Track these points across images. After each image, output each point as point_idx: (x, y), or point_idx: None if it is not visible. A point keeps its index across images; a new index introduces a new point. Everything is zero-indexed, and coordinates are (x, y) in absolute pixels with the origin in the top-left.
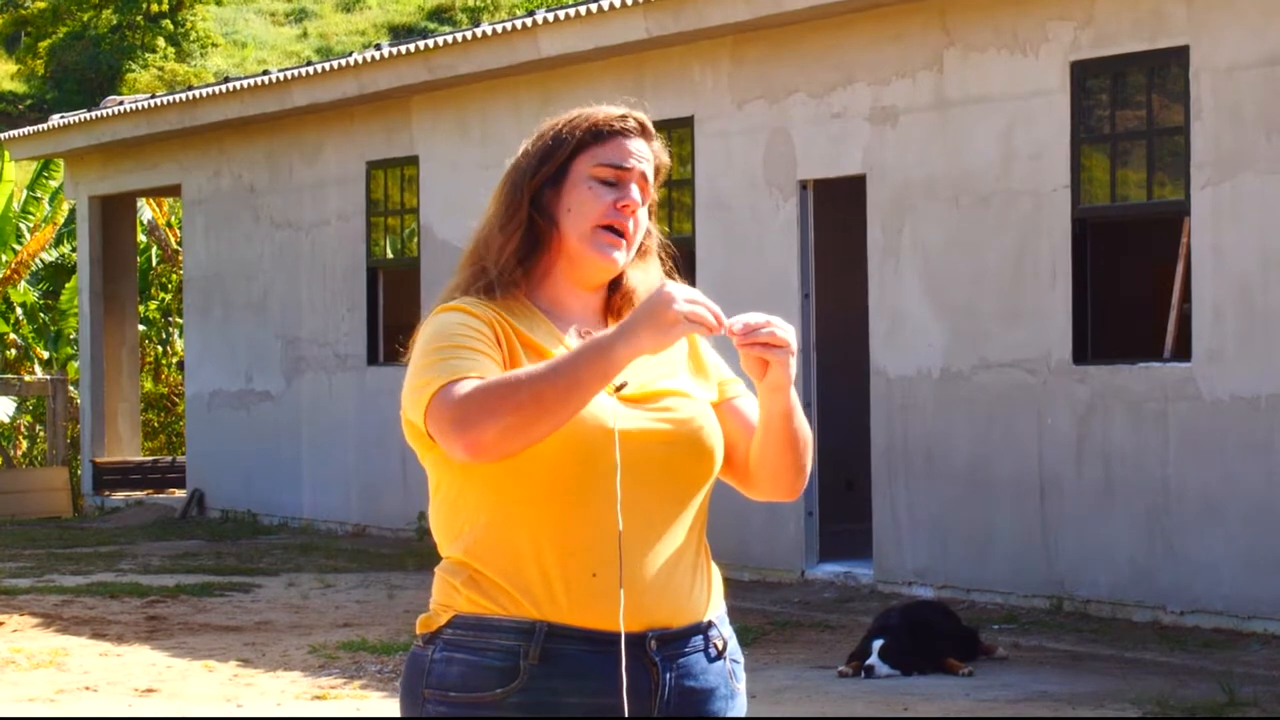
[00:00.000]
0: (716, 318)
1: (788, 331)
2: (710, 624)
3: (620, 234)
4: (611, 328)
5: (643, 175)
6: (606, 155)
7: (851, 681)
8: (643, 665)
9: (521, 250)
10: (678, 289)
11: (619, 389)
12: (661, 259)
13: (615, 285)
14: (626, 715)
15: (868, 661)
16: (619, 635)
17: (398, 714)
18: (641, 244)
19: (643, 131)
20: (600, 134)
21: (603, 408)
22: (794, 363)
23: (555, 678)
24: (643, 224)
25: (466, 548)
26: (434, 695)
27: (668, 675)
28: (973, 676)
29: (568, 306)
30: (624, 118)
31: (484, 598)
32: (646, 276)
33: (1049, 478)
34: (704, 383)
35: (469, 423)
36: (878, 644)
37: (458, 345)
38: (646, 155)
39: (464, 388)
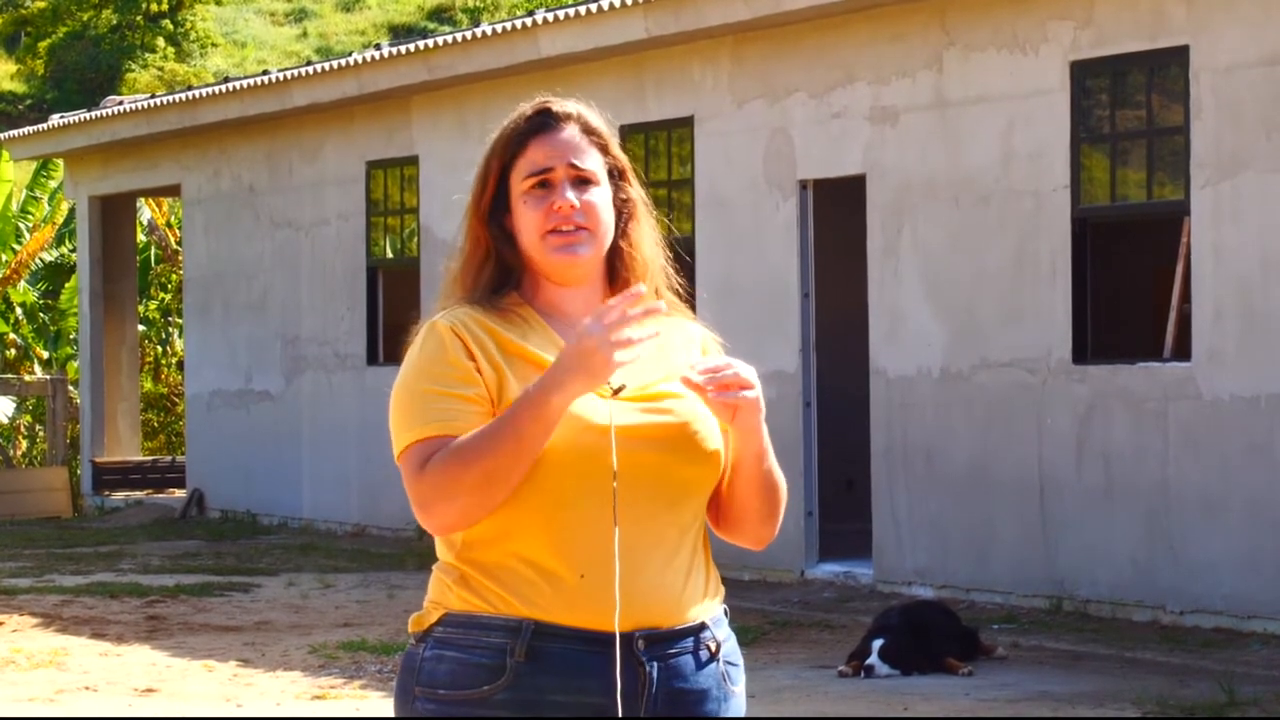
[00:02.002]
0: (643, 313)
1: (750, 372)
2: (703, 625)
3: (568, 231)
4: (541, 376)
5: (569, 165)
6: (528, 165)
7: (851, 681)
8: (630, 666)
9: (497, 278)
10: (596, 324)
11: (616, 391)
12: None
13: (612, 262)
14: (620, 716)
15: (867, 661)
16: (608, 635)
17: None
18: (620, 209)
19: (562, 118)
20: (518, 144)
21: (599, 409)
22: (763, 403)
23: (542, 675)
24: (600, 208)
25: (458, 551)
26: (423, 693)
27: (655, 675)
28: (972, 676)
29: (565, 308)
30: (531, 117)
31: (474, 596)
32: (641, 240)
33: (1049, 478)
34: None
35: (430, 507)
36: (877, 644)
37: (435, 391)
38: (571, 141)
39: (428, 463)
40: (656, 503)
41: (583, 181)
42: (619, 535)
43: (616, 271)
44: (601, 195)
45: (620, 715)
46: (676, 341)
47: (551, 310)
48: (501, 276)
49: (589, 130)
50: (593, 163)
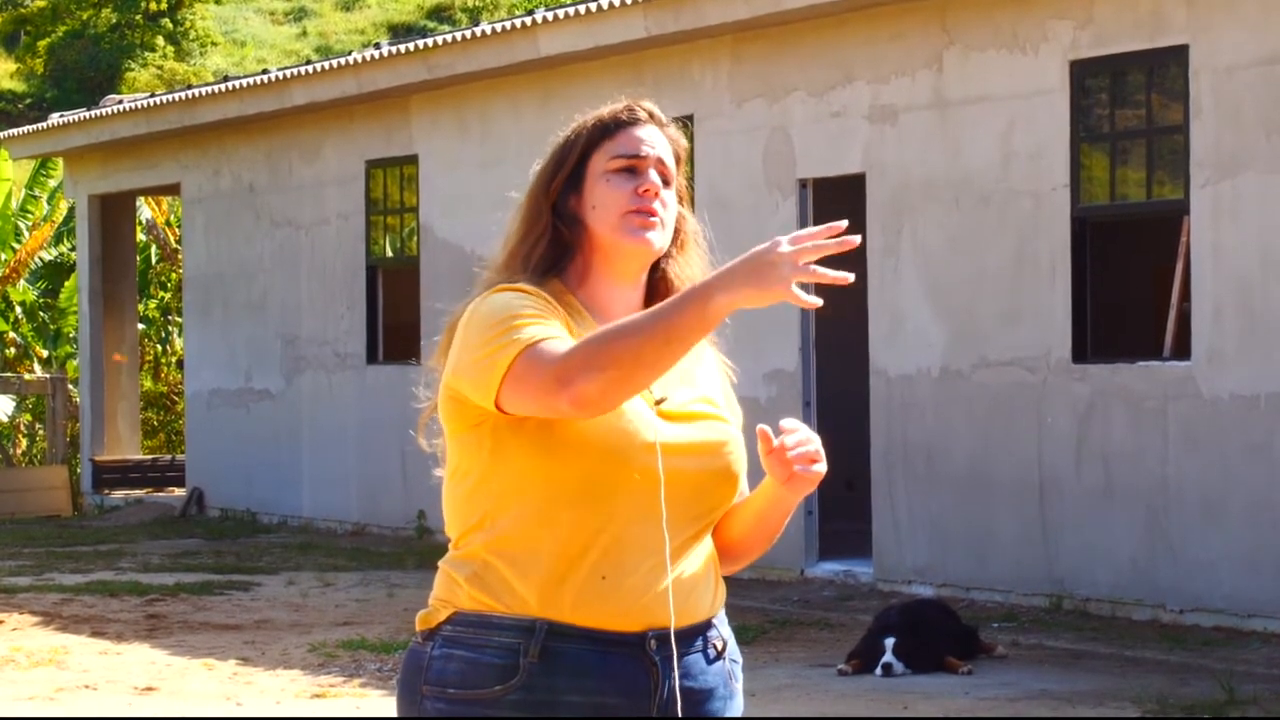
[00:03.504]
0: (839, 245)
1: (819, 444)
2: (710, 624)
3: (649, 215)
4: (712, 274)
5: (659, 160)
6: (618, 147)
7: (855, 680)
8: (642, 665)
9: (548, 259)
10: (790, 244)
11: (659, 403)
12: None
13: (654, 281)
14: (654, 715)
15: (885, 660)
16: (621, 635)
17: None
18: (677, 230)
19: (651, 119)
20: (609, 129)
21: (644, 420)
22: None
23: (555, 676)
24: (671, 206)
25: (485, 540)
26: (432, 692)
27: (667, 675)
28: (972, 675)
29: (608, 307)
30: (630, 109)
31: (487, 594)
32: (688, 267)
33: (1049, 477)
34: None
35: (572, 378)
36: (890, 642)
37: (527, 317)
38: (659, 141)
39: (558, 346)
40: (686, 514)
41: (665, 181)
42: (639, 539)
43: (658, 291)
44: (674, 201)
45: (627, 715)
46: (701, 361)
47: (592, 304)
48: (553, 258)
49: (674, 142)
50: (674, 170)
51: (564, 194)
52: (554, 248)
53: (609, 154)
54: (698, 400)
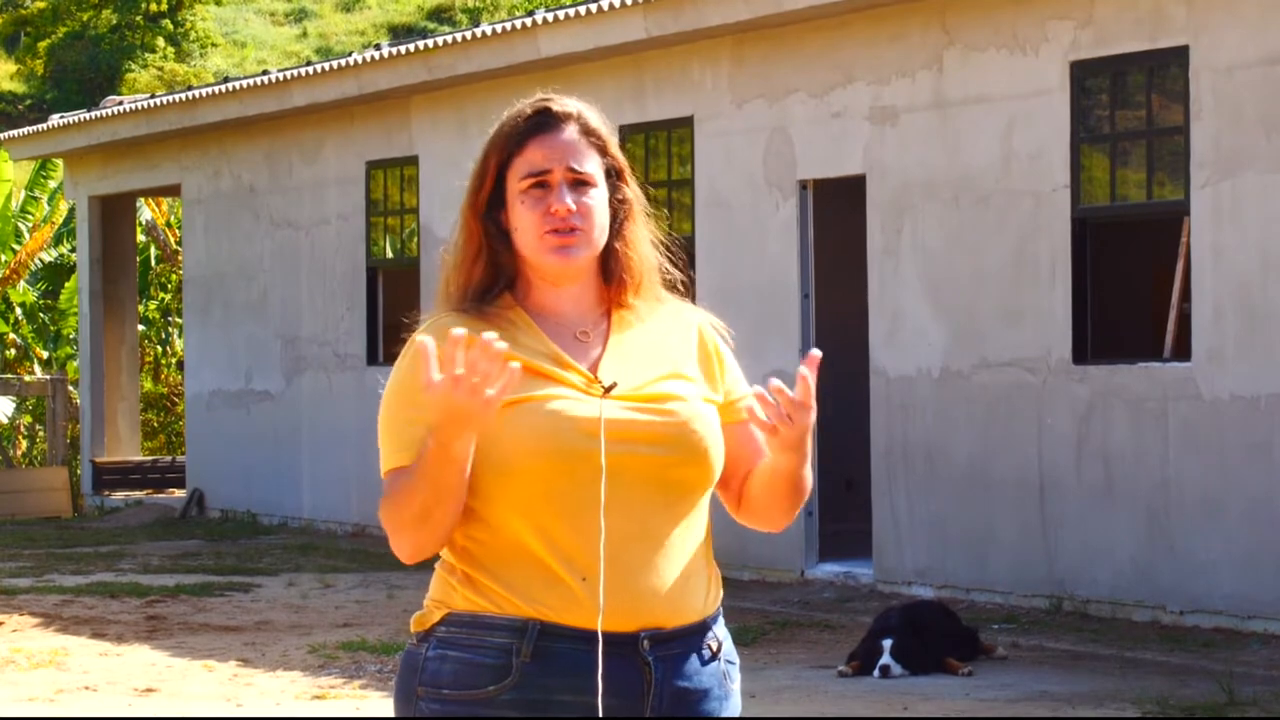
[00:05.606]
0: (488, 352)
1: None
2: (705, 625)
3: (566, 233)
4: (433, 429)
5: (568, 168)
6: (526, 165)
7: (855, 681)
8: (635, 666)
9: (489, 275)
10: (448, 384)
11: (608, 390)
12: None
13: (605, 262)
14: (601, 715)
15: (882, 662)
16: (613, 635)
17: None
18: (614, 212)
19: (562, 118)
20: (517, 142)
21: (589, 409)
22: (812, 420)
23: (548, 675)
24: (596, 211)
25: (465, 554)
26: (427, 693)
27: (660, 675)
28: (972, 676)
29: (558, 309)
30: (531, 116)
31: (479, 596)
32: (636, 242)
33: (1049, 478)
34: (712, 387)
35: (390, 539)
36: (888, 643)
37: (407, 415)
38: (570, 142)
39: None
40: (653, 502)
41: (580, 184)
42: (616, 535)
43: (611, 270)
44: (598, 197)
45: (623, 715)
46: (674, 332)
47: (543, 311)
48: (493, 274)
49: (588, 131)
50: (591, 164)
51: (492, 210)
52: (492, 266)
53: (519, 173)
54: (658, 379)
